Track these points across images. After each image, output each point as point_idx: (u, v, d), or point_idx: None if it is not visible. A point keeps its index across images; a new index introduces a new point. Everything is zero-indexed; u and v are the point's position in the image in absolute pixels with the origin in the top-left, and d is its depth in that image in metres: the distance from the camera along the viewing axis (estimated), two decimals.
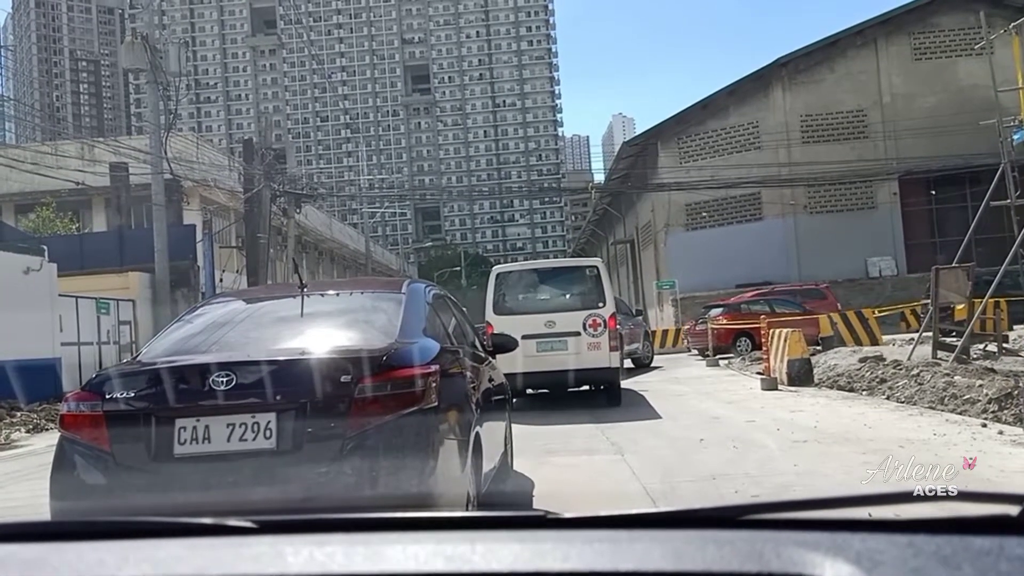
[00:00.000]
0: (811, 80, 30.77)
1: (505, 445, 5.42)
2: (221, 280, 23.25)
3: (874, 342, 15.80)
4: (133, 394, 3.33)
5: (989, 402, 7.45)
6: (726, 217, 31.32)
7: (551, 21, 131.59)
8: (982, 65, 20.73)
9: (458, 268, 78.85)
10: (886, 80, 30.34)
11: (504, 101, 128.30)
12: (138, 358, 3.77)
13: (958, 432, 6.74)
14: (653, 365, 18.39)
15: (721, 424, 8.40)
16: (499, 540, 1.02)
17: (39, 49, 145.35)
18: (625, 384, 12.22)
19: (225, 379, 3.21)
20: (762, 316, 15.75)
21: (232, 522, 1.12)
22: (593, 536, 1.01)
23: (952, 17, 30.04)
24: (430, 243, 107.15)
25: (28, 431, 12.50)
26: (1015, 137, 15.95)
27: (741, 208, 31.09)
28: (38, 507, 5.94)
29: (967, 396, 7.92)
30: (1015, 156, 15.43)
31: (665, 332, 26.57)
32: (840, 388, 10.69)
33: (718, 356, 18.07)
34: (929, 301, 12.57)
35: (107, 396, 3.31)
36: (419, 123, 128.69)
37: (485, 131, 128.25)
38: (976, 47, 18.77)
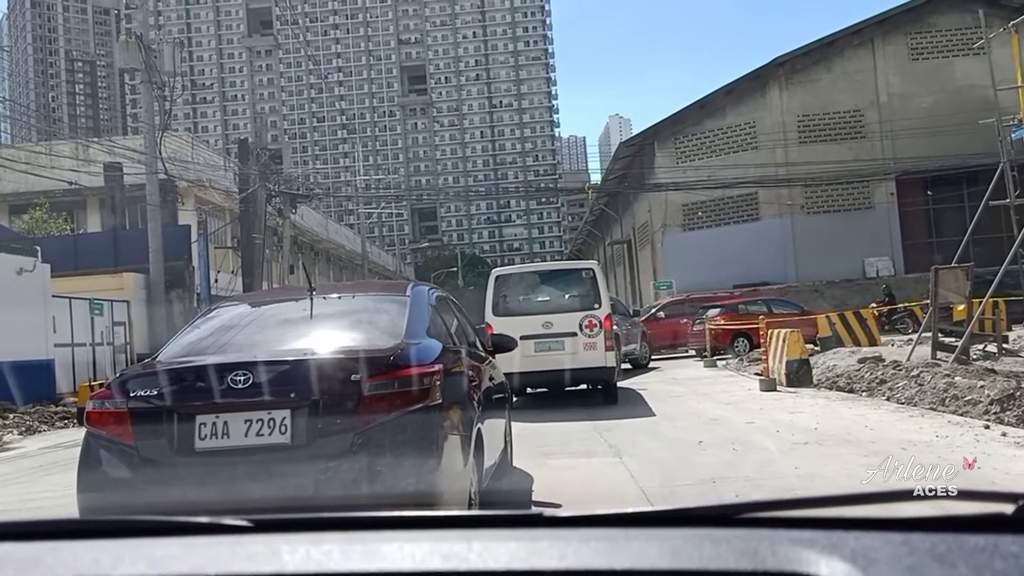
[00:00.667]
0: (808, 80, 30.74)
1: (505, 442, 5.59)
2: (216, 281, 23.10)
3: (872, 343, 15.73)
4: (156, 392, 3.51)
5: (991, 403, 7.36)
6: (723, 217, 31.27)
7: (548, 21, 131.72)
8: (979, 65, 20.71)
9: (455, 269, 78.74)
10: (883, 80, 30.32)
11: (501, 102, 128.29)
12: (157, 359, 3.91)
13: (961, 434, 6.65)
14: (651, 366, 18.34)
15: (720, 425, 8.30)
16: (496, 539, 1.02)
17: (35, 50, 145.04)
18: (622, 385, 12.19)
19: (242, 378, 3.38)
20: (760, 316, 15.68)
21: (228, 521, 1.11)
22: (589, 535, 1.01)
23: (949, 17, 30.04)
24: (427, 244, 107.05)
25: (21, 433, 12.40)
26: (1014, 135, 15.87)
27: (738, 208, 31.05)
28: (27, 512, 5.86)
29: (969, 397, 7.84)
30: (1014, 155, 15.34)
31: None
32: (840, 389, 10.60)
33: (716, 357, 17.99)
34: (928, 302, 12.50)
35: (131, 394, 3.50)
36: (416, 124, 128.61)
37: (482, 132, 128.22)
38: (975, 46, 18.72)
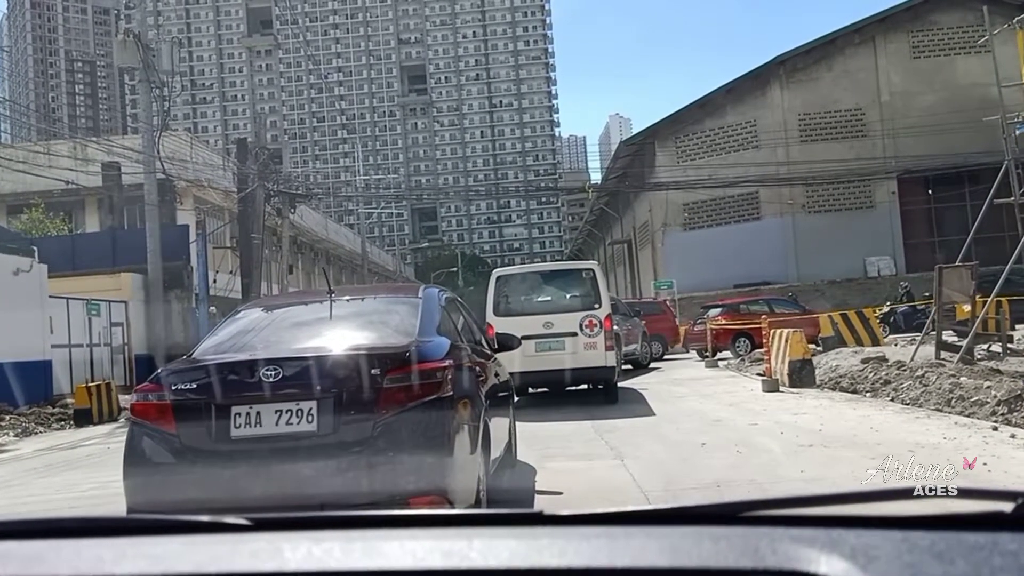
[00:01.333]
0: (809, 79, 30.64)
1: (510, 435, 5.87)
2: (215, 281, 23.00)
3: (875, 342, 15.62)
4: (195, 385, 3.86)
5: (998, 404, 7.24)
6: (724, 216, 31.18)
7: (548, 21, 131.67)
8: (980, 63, 20.61)
9: (455, 269, 78.62)
10: (884, 78, 30.22)
11: (501, 101, 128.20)
12: (192, 356, 4.28)
13: (968, 436, 6.52)
14: (652, 366, 18.24)
15: (723, 427, 8.18)
16: (496, 536, 1.03)
17: (35, 50, 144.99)
18: (623, 385, 12.10)
19: (272, 372, 3.75)
20: (762, 316, 15.58)
21: (230, 519, 1.13)
22: (590, 532, 1.02)
23: (951, 15, 29.95)
24: (427, 244, 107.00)
25: (17, 435, 12.26)
26: (1018, 132, 15.75)
27: (739, 207, 30.95)
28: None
29: (975, 398, 7.72)
30: (1019, 152, 15.23)
31: None
32: (843, 389, 10.48)
33: (717, 357, 17.89)
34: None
35: (172, 387, 3.86)
36: (416, 123, 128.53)
37: (482, 131, 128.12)
38: (978, 43, 18.62)
